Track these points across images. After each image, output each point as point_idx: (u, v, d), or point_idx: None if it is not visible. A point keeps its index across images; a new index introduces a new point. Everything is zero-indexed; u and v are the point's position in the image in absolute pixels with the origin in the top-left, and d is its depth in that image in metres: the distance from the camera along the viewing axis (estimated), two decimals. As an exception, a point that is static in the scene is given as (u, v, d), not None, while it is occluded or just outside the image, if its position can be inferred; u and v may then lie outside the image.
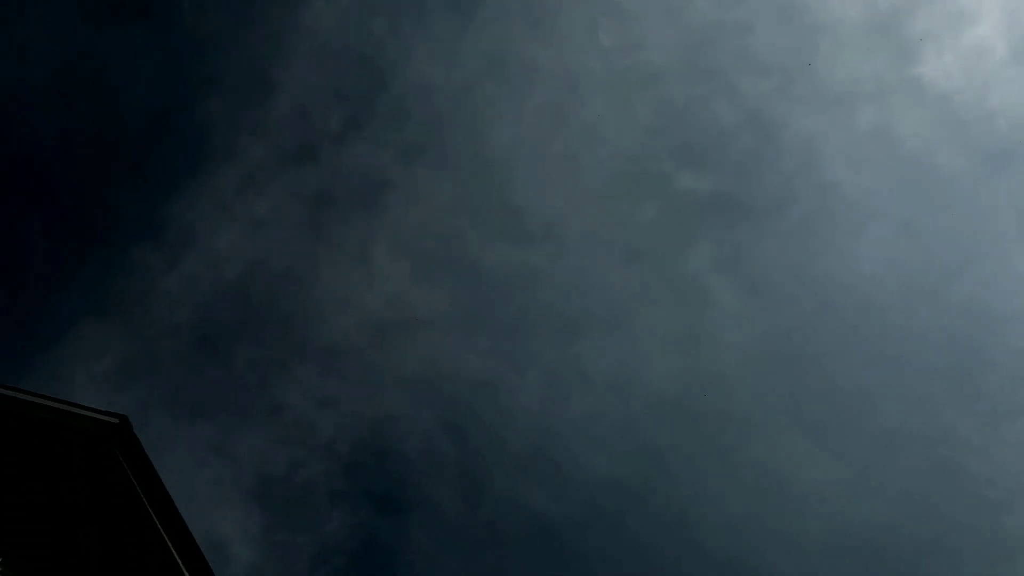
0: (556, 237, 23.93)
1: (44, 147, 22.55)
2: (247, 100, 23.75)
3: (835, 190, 23.61)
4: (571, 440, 23.50)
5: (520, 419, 23.66)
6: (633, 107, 24.10)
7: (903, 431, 23.06)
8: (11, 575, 9.05)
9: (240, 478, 22.73)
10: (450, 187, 24.02)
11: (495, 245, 23.86)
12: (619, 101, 24.14)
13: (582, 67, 24.06)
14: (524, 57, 24.00)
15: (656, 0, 24.04)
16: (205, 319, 23.28)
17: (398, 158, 24.08)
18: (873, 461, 23.08)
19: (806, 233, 23.82)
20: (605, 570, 23.14)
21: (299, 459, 23.16)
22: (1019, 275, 23.17)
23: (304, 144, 24.00)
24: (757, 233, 23.97)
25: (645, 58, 23.98)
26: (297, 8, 23.81)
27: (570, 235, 23.96)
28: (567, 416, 23.56)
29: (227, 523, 21.95)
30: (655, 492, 23.49)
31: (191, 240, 23.30)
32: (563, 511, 23.40)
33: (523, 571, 23.26)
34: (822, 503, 22.80)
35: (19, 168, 22.35)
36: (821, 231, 23.80)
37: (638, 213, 24.06)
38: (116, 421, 9.36)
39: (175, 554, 9.54)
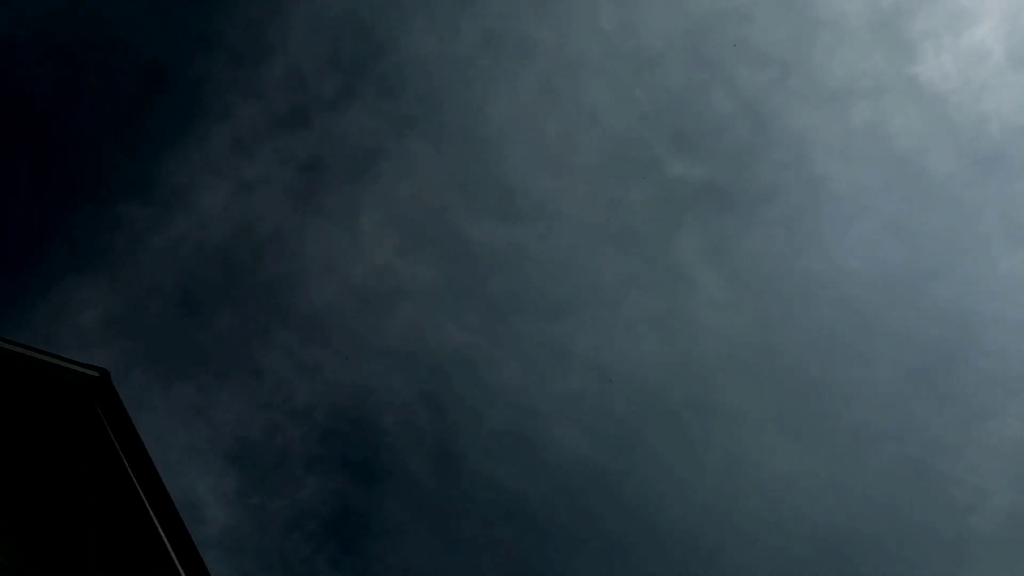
0: (546, 217, 23.98)
1: (36, 97, 22.36)
2: (243, 61, 23.60)
3: (825, 185, 23.74)
4: (549, 420, 23.66)
5: (499, 396, 23.79)
6: (629, 91, 24.10)
7: (875, 427, 23.33)
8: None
9: (217, 440, 22.78)
10: (442, 161, 23.99)
11: (485, 221, 23.88)
12: (616, 84, 24.13)
13: (581, 48, 24.02)
14: (523, 34, 23.92)
15: (658, -16, 23.99)
16: (190, 279, 23.24)
17: (392, 128, 24.02)
18: (844, 456, 23.36)
19: (793, 226, 23.96)
20: (575, 550, 23.38)
21: (277, 424, 23.23)
22: (1000, 279, 23.38)
23: (297, 108, 23.89)
24: (745, 223, 24.08)
25: (644, 42, 23.96)
26: (297, -29, 23.62)
27: (560, 215, 24.01)
28: (546, 395, 23.71)
29: (202, 484, 22.03)
30: (629, 475, 23.70)
31: (180, 199, 23.22)
32: (536, 490, 23.59)
33: (494, 546, 23.47)
34: (791, 495, 23.07)
35: (9, 118, 22.17)
36: (808, 225, 23.94)
37: (628, 197, 24.12)
38: (97, 375, 9.36)
39: (151, 511, 9.58)
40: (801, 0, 23.63)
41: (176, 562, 9.53)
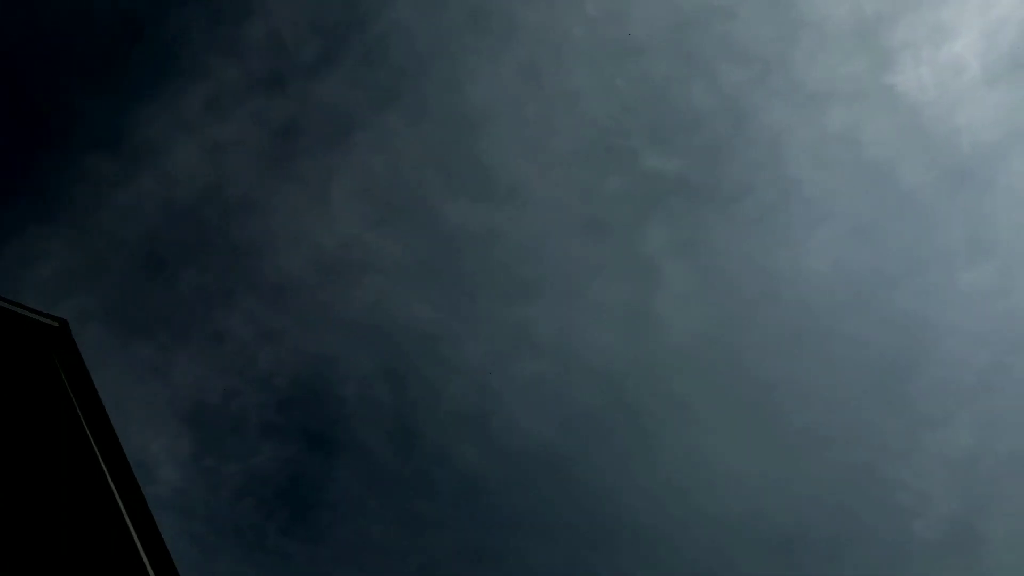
0: (519, 199, 23.97)
1: (6, 42, 21.90)
2: (223, 20, 23.27)
3: (796, 186, 23.96)
4: (509, 401, 23.74)
5: (461, 375, 23.82)
6: (611, 79, 24.12)
7: (826, 430, 23.68)
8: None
9: (174, 401, 22.60)
10: (420, 136, 23.87)
11: (458, 200, 23.83)
12: (598, 71, 24.14)
13: (565, 32, 23.98)
14: (509, 14, 23.82)
15: (646, -25, 23.98)
16: (155, 237, 22.96)
17: (370, 100, 23.85)
18: (794, 456, 23.70)
19: (762, 225, 24.17)
20: (526, 532, 23.53)
21: (235, 388, 23.08)
22: (959, 291, 23.79)
23: (275, 72, 23.62)
24: (715, 219, 24.25)
25: (631, 31, 23.97)
26: (284, -67, 23.30)
27: (533, 199, 24.02)
28: (508, 377, 23.78)
29: (156, 444, 21.87)
30: (583, 462, 23.88)
31: (149, 155, 22.89)
32: (492, 470, 23.69)
33: (446, 524, 23.55)
34: (740, 492, 23.39)
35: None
36: (777, 225, 24.16)
37: (602, 185, 24.18)
38: (56, 325, 9.26)
39: (103, 465, 9.51)
40: (786, 0, 23.78)
41: (126, 516, 9.48)
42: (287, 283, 23.45)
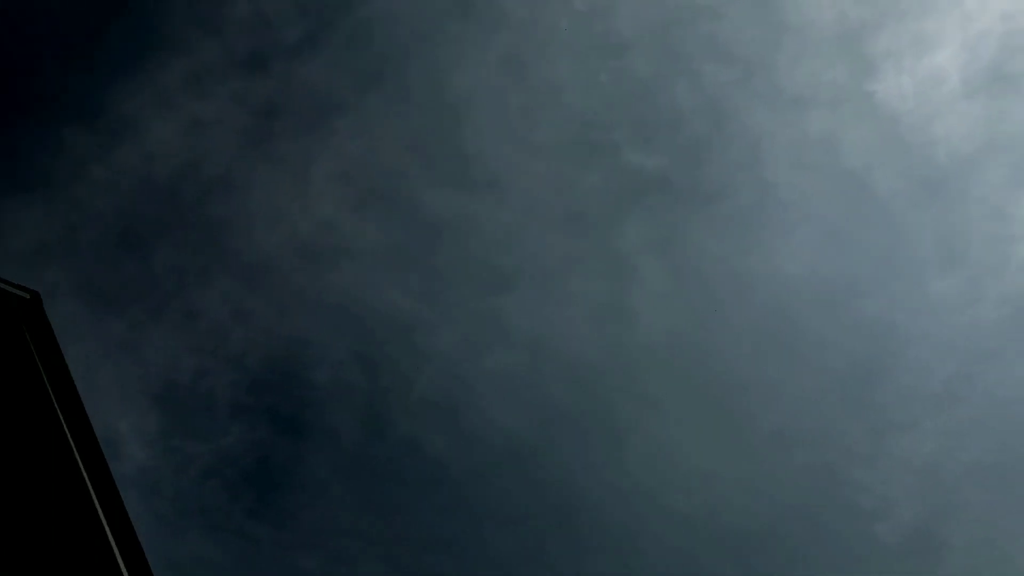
0: (499, 190, 23.97)
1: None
2: (207, -4, 23.04)
3: (773, 189, 24.13)
4: (480, 392, 23.77)
5: (433, 363, 23.82)
6: (595, 74, 24.15)
7: (793, 432, 23.92)
8: None
9: (144, 378, 22.43)
10: (401, 122, 23.79)
11: (437, 188, 23.78)
12: (582, 66, 24.16)
13: (552, 24, 23.97)
14: (495, 3, 23.78)
15: (635, -29, 24.01)
16: (131, 212, 22.74)
17: (353, 83, 23.72)
18: (761, 456, 23.93)
19: (739, 226, 24.32)
20: (491, 523, 23.61)
21: (206, 368, 22.94)
22: (929, 300, 24.09)
23: (258, 52, 23.44)
24: (692, 218, 24.39)
25: (615, 27, 24.00)
26: (273, -89, 23.10)
27: (513, 190, 24.02)
28: (480, 367, 23.81)
29: (124, 421, 21.70)
30: (552, 453, 23.97)
31: (128, 130, 22.64)
32: (460, 460, 23.73)
33: (413, 511, 23.57)
34: (705, 490, 23.59)
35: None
36: (753, 226, 24.33)
37: (582, 180, 24.23)
38: (27, 296, 9.15)
39: (71, 440, 9.44)
40: (772, 3, 23.91)
41: (92, 494, 9.41)
42: (263, 264, 23.34)
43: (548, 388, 24.06)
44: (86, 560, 9.15)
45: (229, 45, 23.21)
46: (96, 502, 9.39)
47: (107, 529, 9.23)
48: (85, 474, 9.47)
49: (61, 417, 9.53)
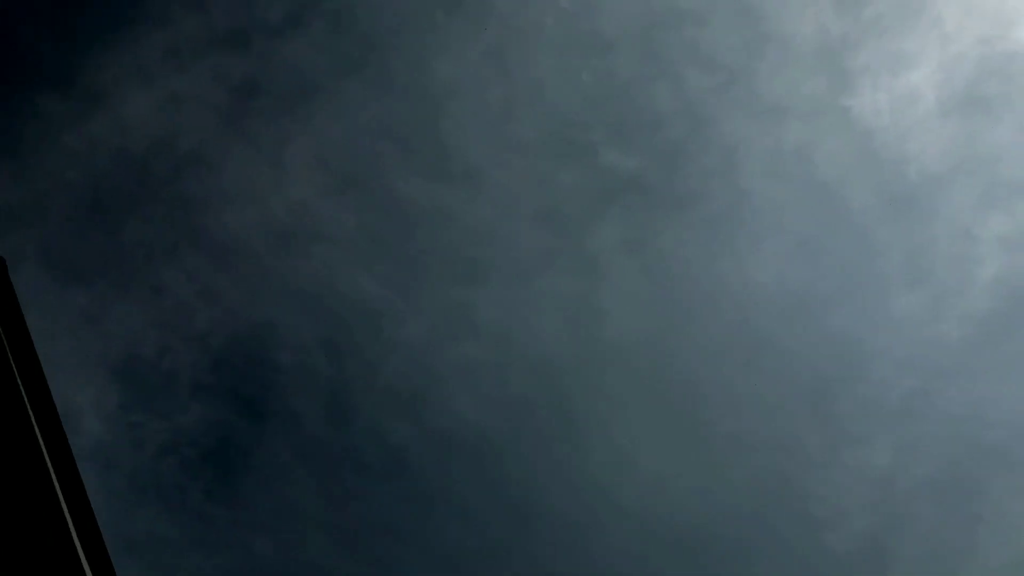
0: (475, 183, 23.97)
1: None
2: (190, -30, 22.79)
3: (747, 197, 24.35)
4: (446, 383, 23.80)
5: (400, 352, 23.80)
6: (577, 72, 24.22)
7: (751, 438, 24.19)
8: None
9: (106, 351, 22.21)
10: (381, 109, 23.70)
11: (413, 177, 23.74)
12: (565, 63, 24.21)
13: (537, 20, 23.99)
14: (481, -4, 23.75)
15: (622, -28, 24.09)
16: (101, 183, 22.47)
17: (334, 67, 23.60)
18: (717, 460, 24.18)
19: (711, 232, 24.52)
20: (448, 510, 23.66)
21: (170, 345, 22.76)
22: (892, 315, 24.45)
23: (239, 28, 23.23)
24: (665, 222, 24.55)
25: (599, 27, 24.08)
26: None
27: (489, 183, 24.04)
28: (447, 359, 23.82)
29: (83, 394, 21.48)
30: (512, 447, 24.07)
31: (102, 100, 22.37)
32: (423, 450, 23.75)
33: (372, 500, 23.56)
34: (660, 492, 23.79)
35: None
36: (725, 233, 24.53)
37: (559, 177, 24.30)
38: (-8, 263, 9.05)
39: (29, 409, 9.35)
40: (756, 13, 24.09)
41: (49, 464, 9.34)
42: (233, 244, 23.17)
43: (513, 383, 24.15)
44: (41, 534, 9.08)
45: (211, 20, 23.00)
46: (53, 475, 9.32)
47: (63, 505, 9.16)
48: (43, 446, 9.38)
49: (21, 387, 9.43)
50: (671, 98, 24.14)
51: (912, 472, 23.84)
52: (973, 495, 23.42)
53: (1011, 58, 23.71)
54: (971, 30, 23.84)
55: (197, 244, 22.98)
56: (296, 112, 23.54)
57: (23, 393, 9.37)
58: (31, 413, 9.38)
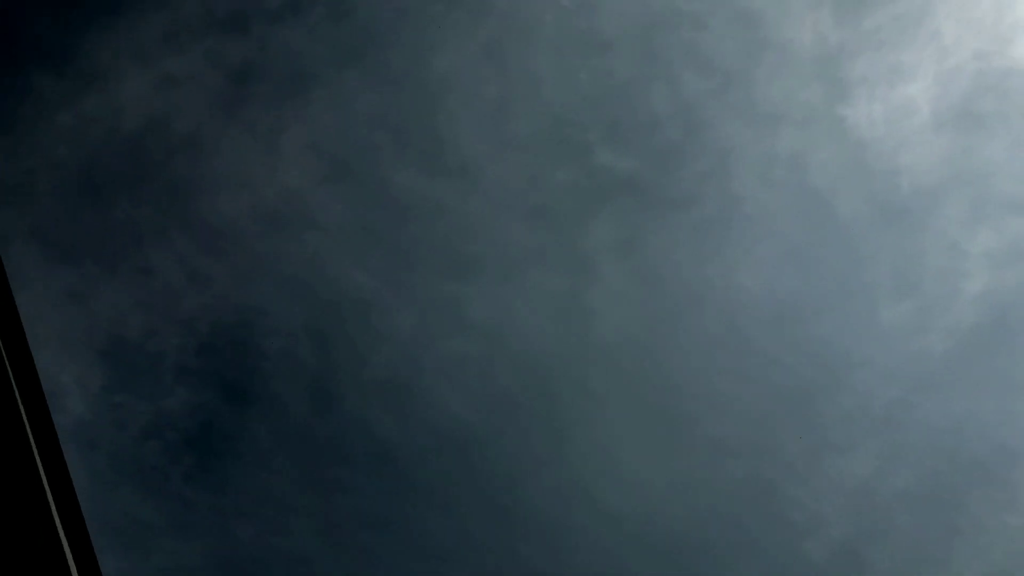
0: (469, 177, 23.97)
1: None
2: (191, -48, 22.68)
3: (739, 202, 24.42)
4: (433, 377, 23.81)
5: (388, 344, 23.79)
6: (575, 70, 24.22)
7: (733, 443, 24.30)
8: None
9: (91, 331, 22.12)
10: (377, 99, 23.66)
11: (408, 169, 23.72)
12: (563, 61, 24.22)
13: (536, 17, 23.98)
14: (482, -9, 23.72)
15: (624, -27, 24.10)
16: (93, 162, 22.37)
17: (332, 55, 23.54)
18: (699, 463, 24.28)
19: (702, 236, 24.59)
20: (430, 503, 23.68)
21: (156, 327, 22.69)
22: (879, 326, 24.57)
23: (238, 12, 23.15)
24: (657, 224, 24.60)
25: (598, 26, 24.08)
26: None
27: (483, 178, 24.04)
28: (435, 352, 23.83)
29: (67, 373, 21.40)
30: (496, 443, 24.10)
31: (98, 79, 22.25)
32: (407, 443, 23.77)
33: (355, 488, 23.56)
34: (641, 491, 23.89)
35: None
36: (716, 238, 24.61)
37: (553, 175, 24.31)
38: (-16, 241, 9.01)
39: (15, 386, 9.32)
40: (755, 18, 24.15)
41: (32, 443, 9.31)
42: (224, 228, 23.10)
43: (499, 378, 24.18)
44: (22, 513, 9.06)
45: (210, 3, 22.91)
46: (36, 454, 9.29)
47: (45, 484, 9.14)
48: (27, 424, 9.35)
49: (7, 362, 9.40)
50: (667, 100, 24.21)
51: (892, 482, 24.01)
52: (951, 507, 23.61)
53: (1007, 74, 23.86)
54: (969, 45, 23.98)
55: (188, 227, 22.92)
56: (292, 99, 23.49)
57: (8, 370, 9.34)
58: (16, 391, 9.35)
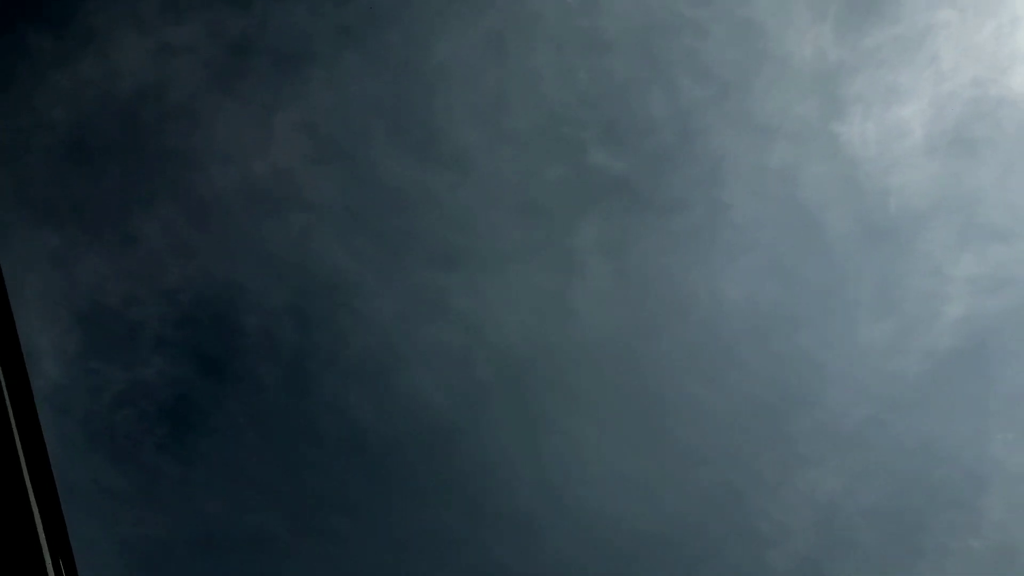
0: (462, 168, 23.94)
1: None
2: (197, -79, 22.50)
3: (727, 211, 24.53)
4: (411, 364, 23.80)
5: (368, 329, 23.75)
6: (574, 68, 24.23)
7: (706, 450, 24.45)
8: None
9: (71, 296, 21.96)
10: (374, 82, 23.57)
11: (400, 155, 23.66)
12: (562, 58, 24.21)
13: (539, 12, 23.95)
14: (487, -18, 23.66)
15: (630, -25, 24.10)
16: (85, 126, 22.18)
17: (332, 35, 23.42)
18: (671, 468, 24.43)
19: (689, 242, 24.69)
20: (402, 491, 23.70)
21: (137, 296, 22.56)
22: (857, 344, 24.77)
23: (241, -13, 22.97)
24: (646, 227, 24.66)
25: (600, 25, 24.09)
26: None
27: (475, 170, 24.01)
28: (415, 340, 23.82)
29: (44, 336, 21.24)
30: (472, 435, 24.14)
31: (95, 43, 22.04)
32: (383, 428, 23.75)
33: (327, 471, 23.53)
34: (611, 492, 24.01)
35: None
36: (702, 245, 24.71)
37: (546, 171, 24.33)
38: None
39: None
40: (757, 29, 24.22)
41: (8, 404, 9.26)
42: (212, 202, 22.97)
43: (478, 371, 24.20)
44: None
45: (213, -26, 22.73)
46: (11, 416, 9.23)
47: (19, 448, 9.10)
48: (3, 384, 9.30)
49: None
50: (664, 104, 24.26)
51: (858, 499, 24.24)
52: (916, 528, 23.87)
53: (1002, 103, 24.06)
54: (966, 71, 24.16)
55: (176, 198, 22.79)
56: (290, 76, 23.37)
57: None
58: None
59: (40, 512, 9.39)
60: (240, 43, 23.10)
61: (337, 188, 23.59)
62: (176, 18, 22.55)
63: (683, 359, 24.80)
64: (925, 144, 24.36)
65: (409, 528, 23.38)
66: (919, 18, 23.87)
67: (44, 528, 9.36)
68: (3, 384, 9.25)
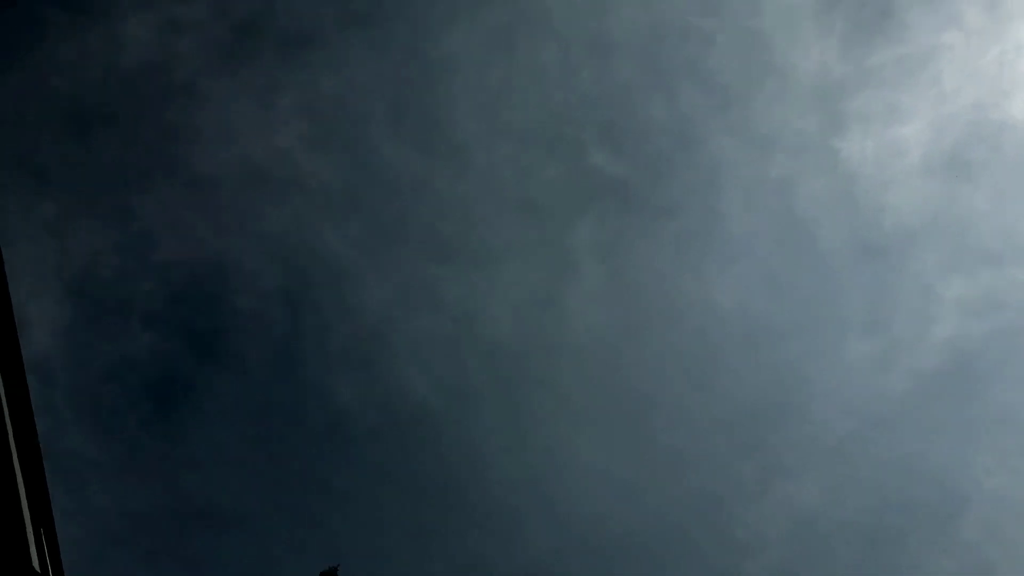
0: (461, 160, 23.96)
1: None
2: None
3: (723, 220, 24.61)
4: (399, 353, 23.84)
5: (360, 316, 23.79)
6: (579, 69, 24.26)
7: (687, 455, 24.55)
8: None
9: (64, 266, 21.94)
10: (379, 70, 23.57)
11: (401, 145, 23.68)
12: (568, 58, 24.24)
13: (547, 11, 23.98)
14: (498, -23, 23.66)
15: (640, -21, 24.13)
16: (88, 98, 22.12)
17: (339, 21, 23.41)
18: (653, 471, 24.52)
19: (683, 248, 24.77)
20: (384, 478, 23.75)
21: (129, 270, 22.54)
22: (843, 359, 24.90)
23: (251, -33, 22.94)
24: (641, 231, 24.74)
25: (610, 28, 24.12)
26: None
27: (474, 164, 24.05)
28: (405, 329, 23.86)
29: (34, 305, 21.22)
30: (457, 426, 24.20)
31: (104, 17, 22.00)
32: (367, 416, 23.80)
33: (309, 454, 23.57)
34: (593, 491, 24.11)
35: None
36: (696, 252, 24.80)
37: (545, 169, 24.38)
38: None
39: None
40: (763, 41, 24.30)
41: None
42: (209, 180, 22.96)
43: (466, 364, 24.27)
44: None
45: (223, -47, 22.69)
46: (1, 389, 9.25)
47: (7, 416, 9.12)
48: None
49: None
50: (665, 110, 24.33)
51: (836, 513, 24.39)
52: (892, 544, 24.02)
53: (1001, 127, 24.20)
54: (968, 94, 24.29)
55: (173, 174, 22.76)
56: (294, 58, 23.35)
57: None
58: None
59: (24, 482, 9.41)
60: (246, 24, 23.08)
61: (334, 172, 23.62)
62: (184, -5, 22.50)
63: (671, 363, 24.92)
64: (923, 164, 24.50)
65: (387, 515, 23.46)
66: (924, 39, 23.99)
67: (27, 497, 9.39)
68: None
